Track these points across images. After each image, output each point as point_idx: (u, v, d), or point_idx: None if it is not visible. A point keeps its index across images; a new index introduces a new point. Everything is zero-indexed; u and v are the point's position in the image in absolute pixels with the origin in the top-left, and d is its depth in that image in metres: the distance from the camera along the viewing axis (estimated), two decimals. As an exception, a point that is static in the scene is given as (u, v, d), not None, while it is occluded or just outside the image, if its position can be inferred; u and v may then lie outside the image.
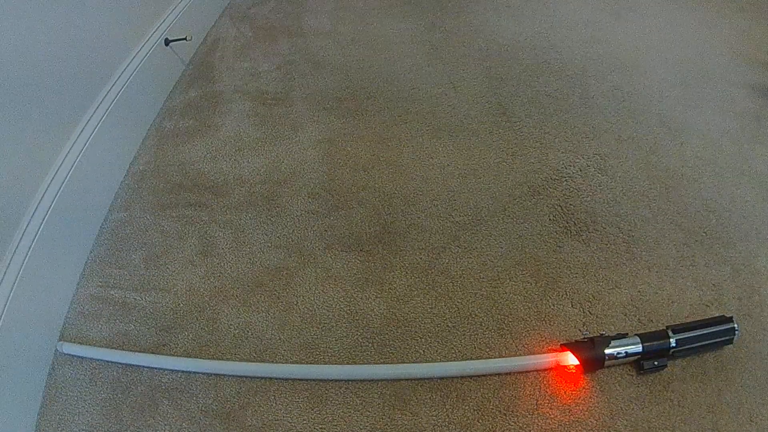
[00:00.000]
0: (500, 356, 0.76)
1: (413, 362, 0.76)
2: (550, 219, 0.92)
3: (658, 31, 1.32)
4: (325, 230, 0.92)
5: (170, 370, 0.77)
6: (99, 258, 0.92)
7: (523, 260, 0.87)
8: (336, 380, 0.75)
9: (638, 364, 0.73)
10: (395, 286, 0.84)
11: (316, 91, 1.19)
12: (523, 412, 0.71)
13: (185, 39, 1.20)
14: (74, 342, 0.81)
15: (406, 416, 0.72)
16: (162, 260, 0.90)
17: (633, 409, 0.71)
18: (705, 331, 0.73)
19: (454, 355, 0.77)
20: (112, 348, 0.80)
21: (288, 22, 1.42)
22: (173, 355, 0.79)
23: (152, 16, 1.16)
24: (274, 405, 0.73)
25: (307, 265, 0.88)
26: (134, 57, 1.07)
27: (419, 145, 1.06)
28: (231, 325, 0.82)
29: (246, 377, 0.76)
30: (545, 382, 0.74)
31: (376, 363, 0.77)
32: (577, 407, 0.71)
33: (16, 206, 0.77)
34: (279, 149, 1.07)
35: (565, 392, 0.73)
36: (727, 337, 0.73)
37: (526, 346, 0.77)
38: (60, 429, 0.73)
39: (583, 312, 0.80)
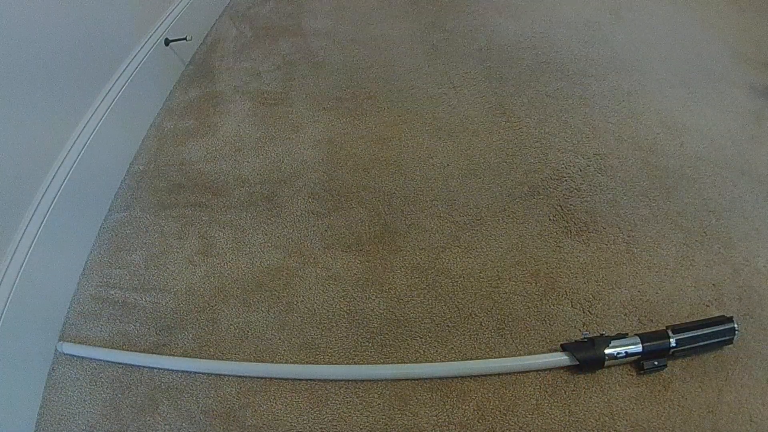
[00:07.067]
0: (500, 356, 0.76)
1: (413, 362, 0.76)
2: (550, 219, 0.92)
3: (658, 31, 1.32)
4: (325, 230, 0.92)
5: (170, 370, 0.77)
6: (99, 258, 0.92)
7: (523, 260, 0.87)
8: (336, 380, 0.75)
9: (638, 364, 0.73)
10: (395, 286, 0.84)
11: (316, 91, 1.19)
12: (523, 412, 0.71)
13: (185, 39, 1.20)
14: (74, 342, 0.81)
15: (406, 416, 0.72)
16: (162, 260, 0.90)
17: (633, 409, 0.71)
18: (705, 331, 0.72)
19: (454, 355, 0.77)
20: (112, 348, 0.80)
21: (288, 22, 1.42)
22: (173, 355, 0.79)
23: (152, 16, 1.16)
24: (274, 405, 0.73)
25: (307, 265, 0.88)
26: (134, 57, 1.07)
27: (419, 145, 1.06)
28: (231, 325, 0.82)
29: (246, 377, 0.76)
30: (545, 382, 0.74)
31: (376, 363, 0.77)
32: (577, 407, 0.71)
33: (17, 206, 0.77)
34: (279, 149, 1.07)
35: (565, 392, 0.73)
36: (727, 337, 0.73)
37: (526, 346, 0.77)
38: (60, 429, 0.73)
39: (583, 312, 0.80)
